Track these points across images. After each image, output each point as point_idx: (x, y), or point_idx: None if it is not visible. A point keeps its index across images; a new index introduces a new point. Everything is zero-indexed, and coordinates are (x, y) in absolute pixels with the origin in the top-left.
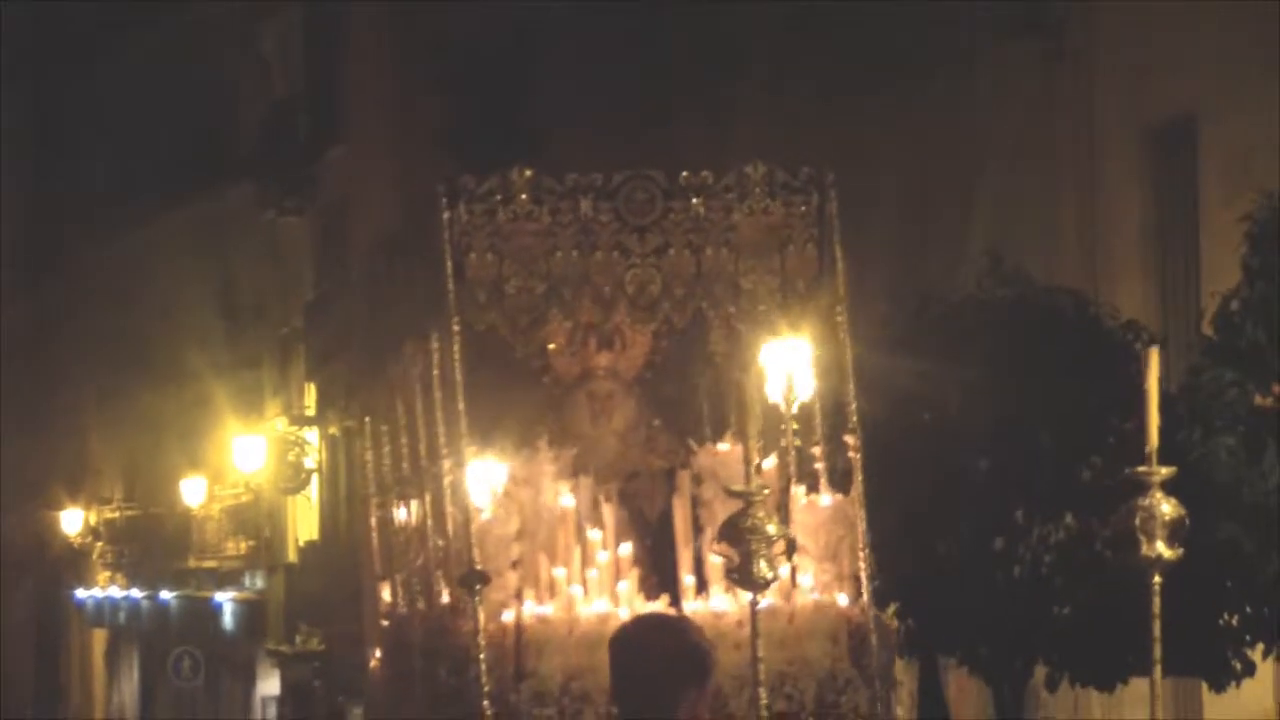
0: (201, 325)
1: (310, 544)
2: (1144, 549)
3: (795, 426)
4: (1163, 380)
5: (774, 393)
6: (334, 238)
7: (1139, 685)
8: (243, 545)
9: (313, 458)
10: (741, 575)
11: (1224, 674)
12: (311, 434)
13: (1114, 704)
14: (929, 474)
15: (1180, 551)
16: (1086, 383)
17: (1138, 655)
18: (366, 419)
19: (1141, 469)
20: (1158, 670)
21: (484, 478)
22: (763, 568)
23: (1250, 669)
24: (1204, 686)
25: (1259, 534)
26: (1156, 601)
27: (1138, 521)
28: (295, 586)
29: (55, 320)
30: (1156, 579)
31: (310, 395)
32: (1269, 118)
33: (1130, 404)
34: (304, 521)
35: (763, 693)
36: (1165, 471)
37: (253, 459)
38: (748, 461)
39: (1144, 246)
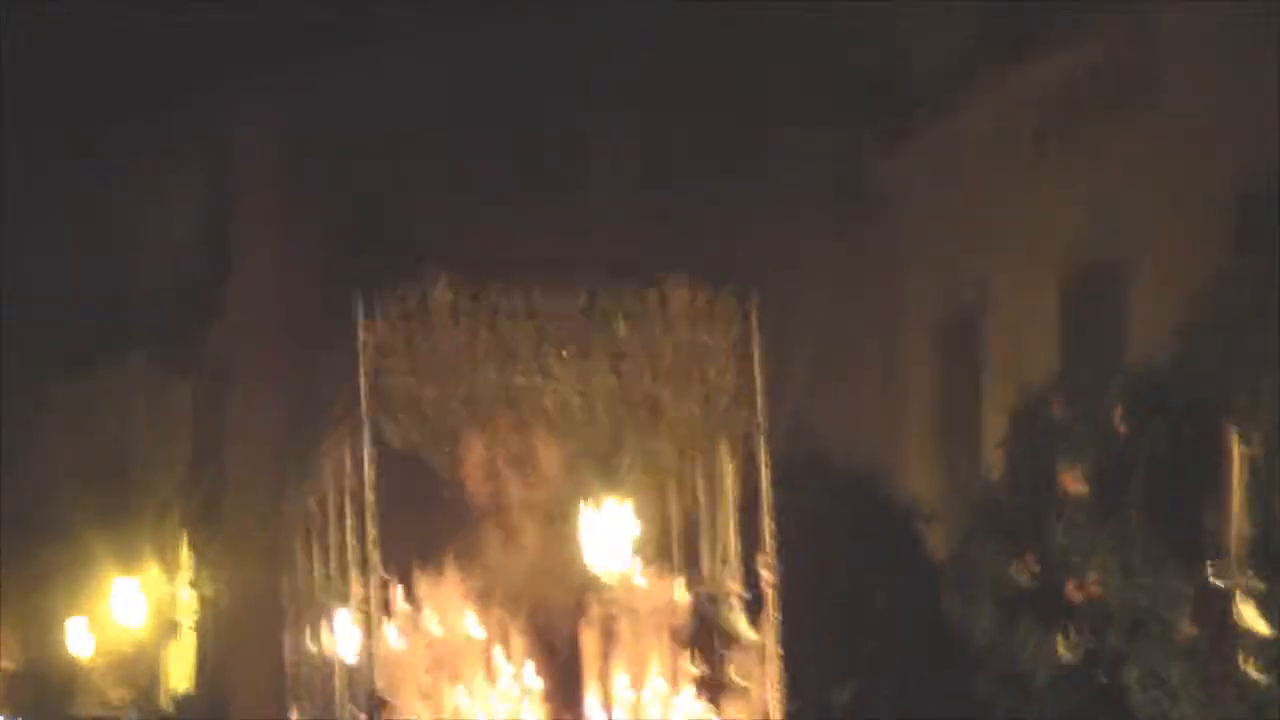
0: (89, 483)
1: (185, 695)
2: None
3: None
4: (935, 550)
5: (592, 557)
6: (214, 402)
7: None
8: (124, 693)
9: (186, 613)
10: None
11: None
12: (185, 590)
13: None
14: None
15: None
16: (872, 554)
17: None
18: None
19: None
20: None
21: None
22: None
23: None
24: None
25: (1014, 695)
26: None
27: None
28: None
29: None
30: None
31: (185, 553)
32: (1047, 311)
33: (910, 573)
34: (179, 672)
35: None
36: None
37: (133, 612)
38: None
39: (934, 428)
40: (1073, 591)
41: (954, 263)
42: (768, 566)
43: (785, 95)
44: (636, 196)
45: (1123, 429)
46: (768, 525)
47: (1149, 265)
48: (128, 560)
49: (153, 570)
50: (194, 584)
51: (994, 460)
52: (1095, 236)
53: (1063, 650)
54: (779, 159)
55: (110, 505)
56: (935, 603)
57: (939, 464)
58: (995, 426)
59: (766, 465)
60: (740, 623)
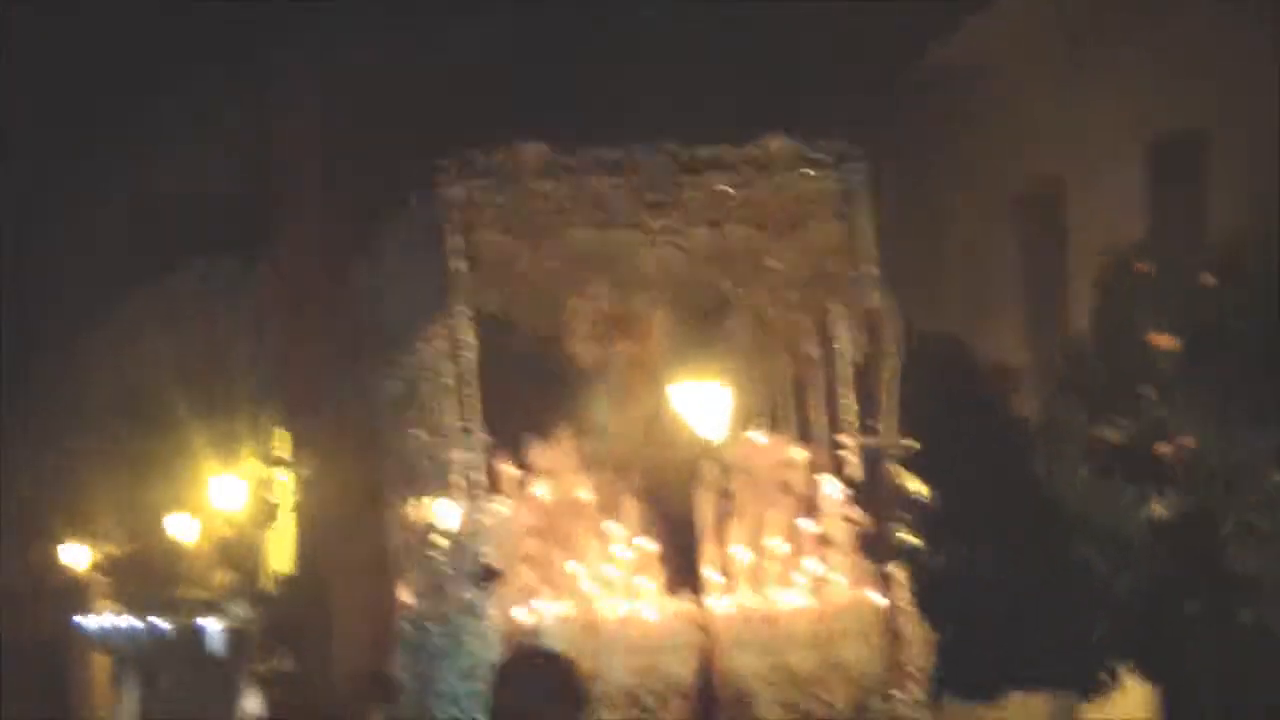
0: (184, 374)
1: (284, 575)
2: None
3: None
4: (1026, 413)
5: (701, 429)
6: (297, 296)
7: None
8: (227, 577)
9: (280, 496)
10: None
11: (1094, 688)
12: (281, 474)
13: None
14: None
15: None
16: (961, 419)
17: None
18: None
19: None
20: None
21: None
22: (902, 532)
23: (1117, 681)
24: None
25: (1111, 554)
26: None
27: None
28: (272, 614)
29: (56, 374)
30: None
31: (281, 439)
32: (1129, 181)
33: (1000, 437)
34: (280, 555)
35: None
36: None
37: (232, 498)
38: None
39: (1017, 296)
40: (1165, 449)
41: (1038, 128)
42: (889, 427)
43: None
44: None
45: (1212, 284)
46: (887, 385)
47: (1234, 128)
48: (226, 448)
49: (250, 456)
50: (292, 467)
51: (1080, 326)
52: (1179, 100)
53: (1157, 508)
54: (857, 29)
55: (207, 397)
56: (1028, 466)
57: (1026, 326)
58: (1081, 288)
59: (887, 318)
60: (913, 480)
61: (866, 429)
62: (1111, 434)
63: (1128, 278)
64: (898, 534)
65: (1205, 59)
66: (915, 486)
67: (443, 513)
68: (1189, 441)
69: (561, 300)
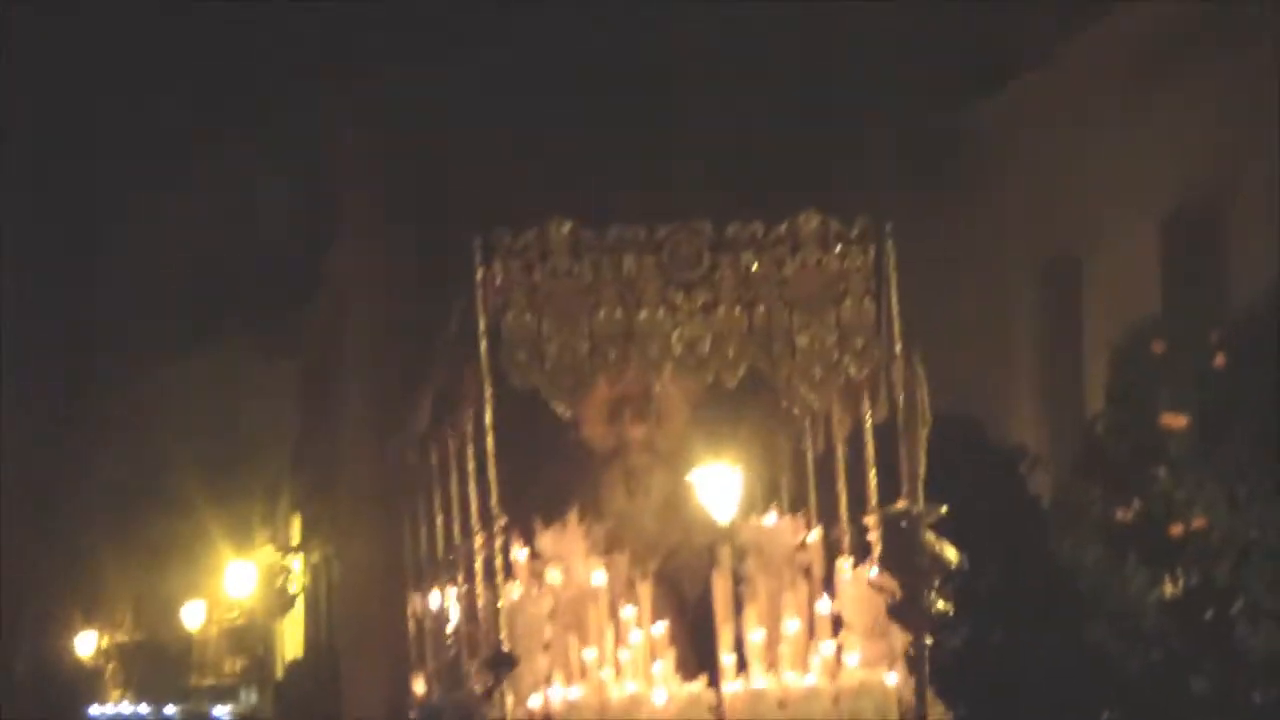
0: (199, 462)
1: (294, 662)
2: None
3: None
4: (1042, 493)
5: (714, 506)
6: (316, 382)
7: None
8: (239, 663)
9: (296, 583)
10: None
11: None
12: (296, 561)
13: None
14: None
15: None
16: (978, 500)
17: None
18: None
19: None
20: None
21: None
22: (935, 599)
23: None
24: None
25: (1123, 635)
26: None
27: None
28: (283, 701)
29: (71, 463)
30: None
31: (295, 526)
32: (1146, 255)
33: (1014, 516)
34: (291, 641)
35: None
36: None
37: (244, 585)
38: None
39: (1035, 374)
40: (1178, 528)
41: (1055, 205)
42: (912, 501)
43: (886, 42)
44: (733, 149)
45: (1225, 364)
46: (919, 459)
47: (1250, 204)
48: (238, 534)
49: (263, 543)
50: (304, 553)
51: (1097, 400)
52: (1196, 177)
53: (1169, 587)
54: (879, 106)
55: (220, 482)
56: (1041, 545)
57: (1043, 406)
58: (1098, 367)
59: (917, 392)
60: (948, 548)
61: (892, 503)
62: (1125, 514)
63: (1142, 357)
64: (933, 602)
65: (1224, 133)
66: (950, 554)
67: (457, 598)
68: (1200, 521)
69: (589, 381)
